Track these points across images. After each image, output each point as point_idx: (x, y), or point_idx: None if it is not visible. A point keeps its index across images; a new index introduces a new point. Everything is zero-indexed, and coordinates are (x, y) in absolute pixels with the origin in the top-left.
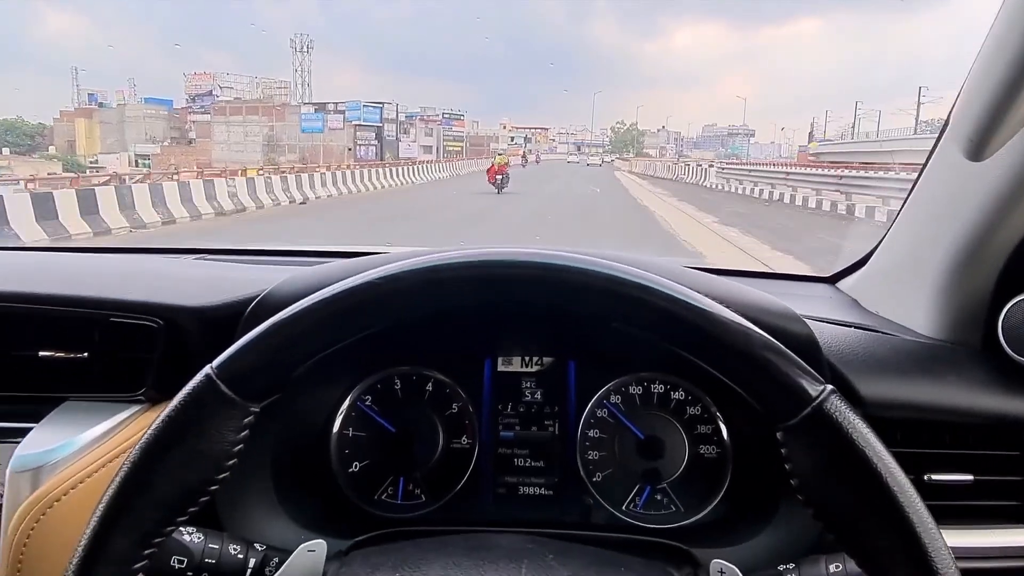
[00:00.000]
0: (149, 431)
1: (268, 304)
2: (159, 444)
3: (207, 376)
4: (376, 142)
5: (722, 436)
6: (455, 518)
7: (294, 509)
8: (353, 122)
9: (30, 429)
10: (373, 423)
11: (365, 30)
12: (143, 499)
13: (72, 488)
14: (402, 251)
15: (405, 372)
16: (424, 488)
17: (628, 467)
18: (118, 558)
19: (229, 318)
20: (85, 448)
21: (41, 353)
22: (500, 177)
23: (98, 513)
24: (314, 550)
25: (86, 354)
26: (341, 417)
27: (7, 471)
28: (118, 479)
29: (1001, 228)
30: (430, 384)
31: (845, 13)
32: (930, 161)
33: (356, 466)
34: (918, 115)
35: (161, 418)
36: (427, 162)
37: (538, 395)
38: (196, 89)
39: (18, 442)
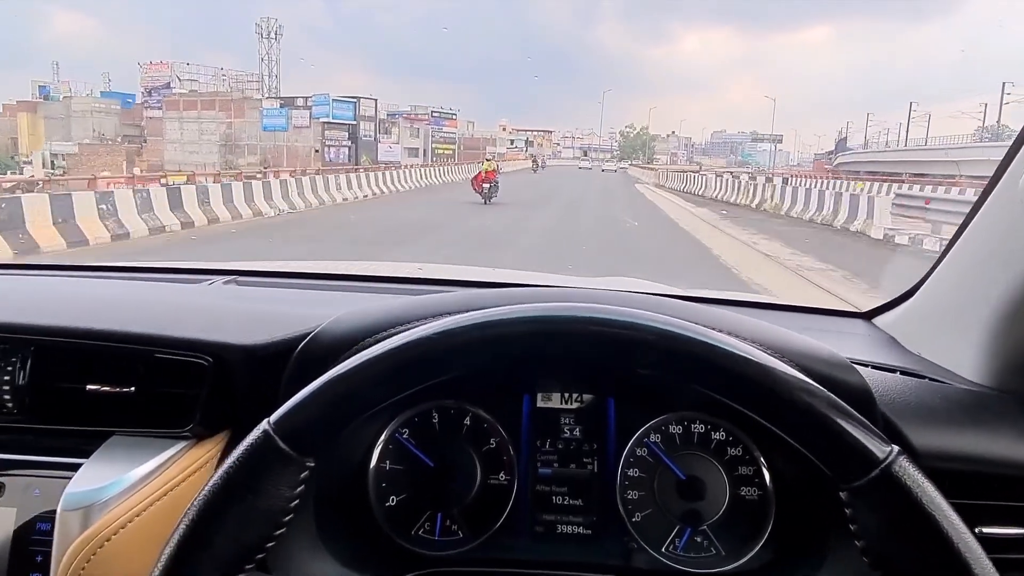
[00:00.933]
0: (206, 488)
1: (318, 345)
2: (218, 501)
3: (264, 432)
4: (349, 143)
5: (764, 479)
6: (493, 556)
7: (336, 547)
8: (321, 119)
9: (78, 465)
10: (411, 456)
11: (365, 32)
12: (202, 557)
13: (122, 527)
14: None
15: (443, 406)
16: (462, 524)
17: (668, 508)
18: None
19: (277, 356)
20: (134, 486)
21: (88, 387)
22: (487, 185)
23: (157, 571)
24: None
25: (132, 388)
26: (379, 450)
27: (58, 509)
28: (177, 536)
29: None
30: (468, 419)
31: (859, 17)
32: (986, 202)
33: (393, 500)
34: (1000, 116)
35: (219, 475)
36: (406, 167)
37: (577, 432)
38: (152, 81)
39: (66, 477)
